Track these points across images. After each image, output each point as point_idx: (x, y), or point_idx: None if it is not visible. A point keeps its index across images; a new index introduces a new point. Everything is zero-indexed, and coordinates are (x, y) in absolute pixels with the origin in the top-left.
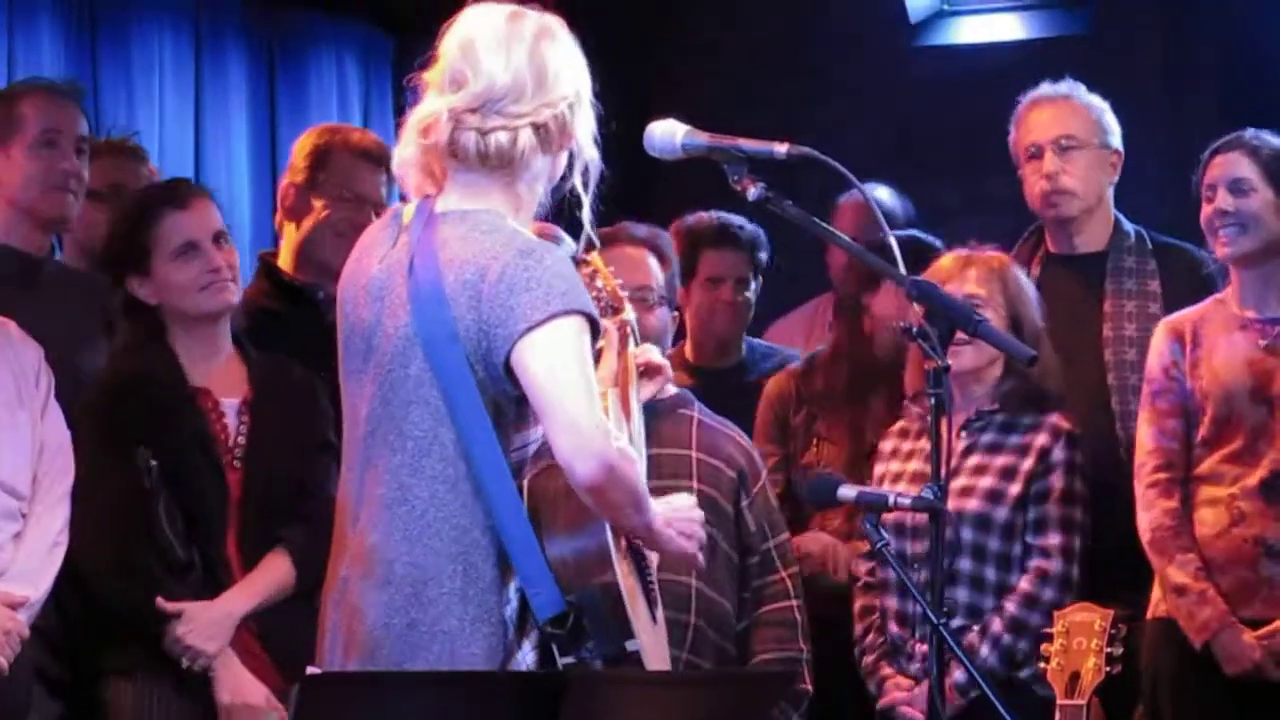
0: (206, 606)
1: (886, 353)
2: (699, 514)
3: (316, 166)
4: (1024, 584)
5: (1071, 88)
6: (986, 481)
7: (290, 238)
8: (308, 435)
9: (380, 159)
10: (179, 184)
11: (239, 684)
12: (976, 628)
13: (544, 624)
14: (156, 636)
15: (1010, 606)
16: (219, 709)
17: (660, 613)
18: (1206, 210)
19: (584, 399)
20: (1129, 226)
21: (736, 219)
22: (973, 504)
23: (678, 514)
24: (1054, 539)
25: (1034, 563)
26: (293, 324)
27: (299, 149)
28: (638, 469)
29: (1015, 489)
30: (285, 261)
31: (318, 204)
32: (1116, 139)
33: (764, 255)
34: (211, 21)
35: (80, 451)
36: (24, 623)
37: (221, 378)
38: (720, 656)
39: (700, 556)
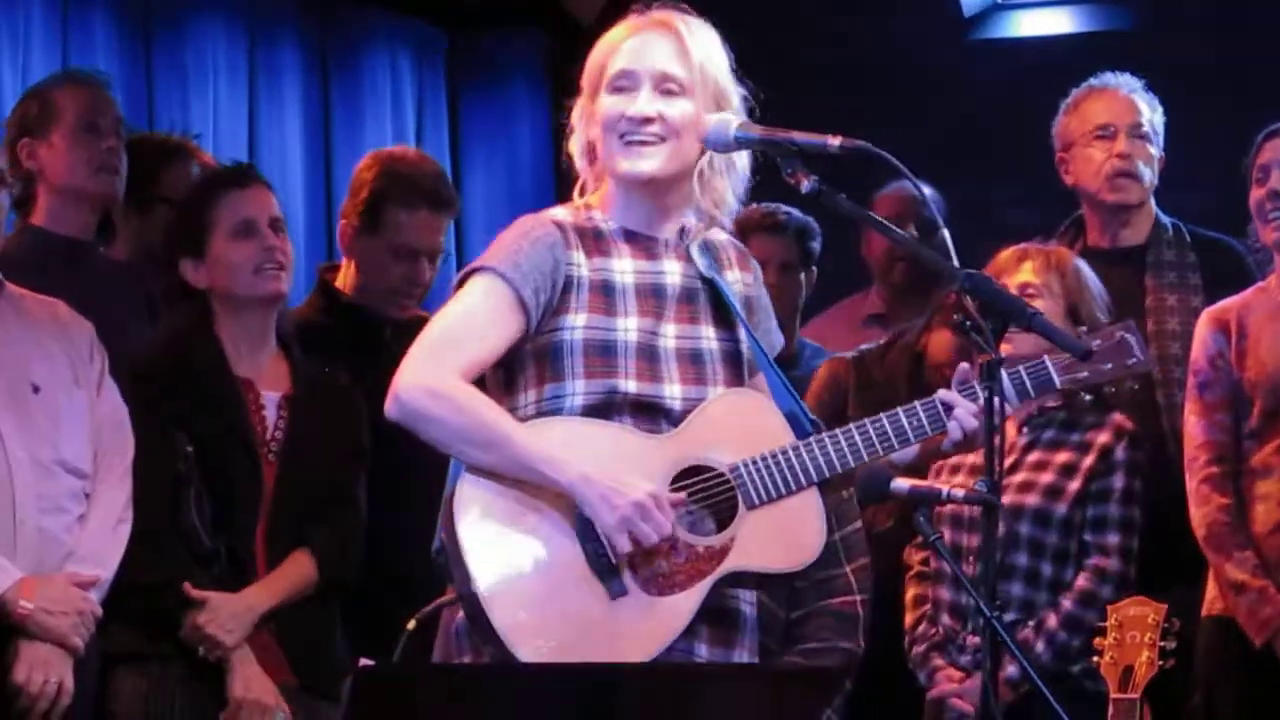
0: (229, 599)
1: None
2: (637, 496)
3: (371, 211)
4: (1081, 581)
5: (1132, 80)
6: (1047, 477)
7: (347, 271)
8: (344, 439)
9: (438, 200)
10: (240, 166)
11: (252, 679)
12: (1032, 623)
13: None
14: (172, 622)
15: (1067, 603)
16: (230, 701)
17: (635, 586)
18: (1257, 193)
19: (424, 342)
20: (1166, 220)
21: (784, 207)
22: (1032, 499)
23: (609, 484)
24: (1113, 538)
25: (1092, 561)
26: (342, 339)
27: (358, 179)
28: (471, 408)
29: (1075, 485)
30: (343, 284)
31: (372, 250)
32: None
33: (815, 244)
34: (265, 19)
35: None
36: (96, 603)
37: (264, 371)
38: (762, 652)
39: (623, 539)
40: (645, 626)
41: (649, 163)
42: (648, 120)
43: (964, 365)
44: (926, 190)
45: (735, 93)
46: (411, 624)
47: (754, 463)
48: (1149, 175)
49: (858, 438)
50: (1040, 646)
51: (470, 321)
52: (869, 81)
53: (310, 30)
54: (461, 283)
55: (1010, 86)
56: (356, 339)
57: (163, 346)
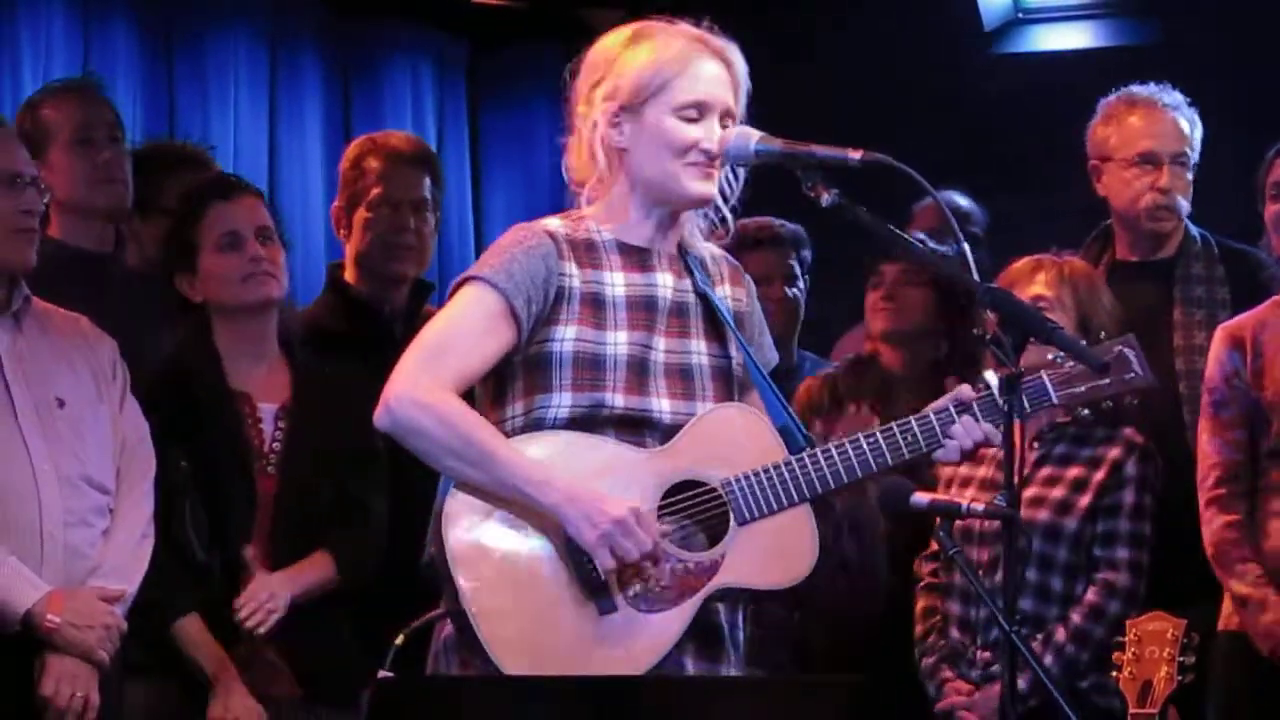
0: (266, 578)
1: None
2: (618, 512)
3: (354, 179)
4: (1090, 595)
5: (1176, 95)
6: (1057, 492)
7: (349, 256)
8: (352, 442)
9: (415, 159)
10: (226, 178)
11: (233, 702)
12: (1040, 636)
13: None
14: (163, 636)
15: (1075, 617)
16: None
17: (624, 603)
18: (1272, 208)
19: (415, 352)
20: (1195, 231)
21: (775, 219)
22: (1043, 514)
23: (592, 502)
24: (1122, 553)
25: (1101, 575)
26: (353, 345)
27: (342, 166)
28: (461, 425)
29: (1085, 500)
30: (350, 274)
31: (360, 215)
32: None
33: (807, 253)
34: (287, 31)
35: None
36: (121, 617)
37: (263, 382)
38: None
39: (605, 555)
40: (634, 643)
41: (713, 186)
42: (715, 155)
43: (965, 387)
44: (964, 202)
45: None
46: (400, 639)
47: (745, 478)
48: (1186, 205)
49: (851, 453)
50: (1049, 660)
51: (462, 332)
52: (887, 94)
53: (331, 42)
54: (455, 291)
55: (1031, 101)
56: (367, 337)
57: (163, 361)
